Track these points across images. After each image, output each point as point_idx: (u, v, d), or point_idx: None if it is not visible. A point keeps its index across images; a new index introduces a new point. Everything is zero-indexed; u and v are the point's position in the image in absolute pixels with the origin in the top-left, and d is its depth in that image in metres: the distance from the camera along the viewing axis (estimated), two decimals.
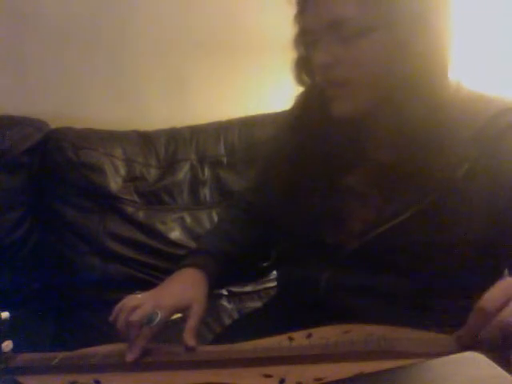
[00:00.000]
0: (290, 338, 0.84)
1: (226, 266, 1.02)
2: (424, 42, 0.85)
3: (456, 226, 0.85)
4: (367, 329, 0.81)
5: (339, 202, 0.94)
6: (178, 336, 0.87)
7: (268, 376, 0.75)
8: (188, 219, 1.60)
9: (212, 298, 0.98)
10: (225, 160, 1.65)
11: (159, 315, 0.87)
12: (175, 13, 1.74)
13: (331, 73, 0.88)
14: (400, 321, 0.81)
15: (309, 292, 0.95)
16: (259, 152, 1.48)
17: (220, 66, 1.78)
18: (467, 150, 0.85)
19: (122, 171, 1.58)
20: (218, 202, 1.62)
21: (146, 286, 1.00)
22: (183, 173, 1.62)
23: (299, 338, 0.83)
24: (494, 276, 0.89)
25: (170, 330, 0.89)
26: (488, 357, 0.56)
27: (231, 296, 1.60)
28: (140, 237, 1.56)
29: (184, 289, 0.94)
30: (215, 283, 0.99)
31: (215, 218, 1.60)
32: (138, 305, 0.88)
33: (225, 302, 1.59)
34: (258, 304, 1.55)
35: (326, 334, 0.82)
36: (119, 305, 0.90)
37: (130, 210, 1.56)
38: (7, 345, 0.82)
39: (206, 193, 1.63)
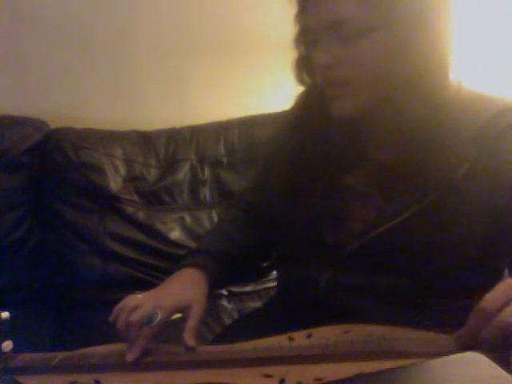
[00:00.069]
0: (290, 338, 0.84)
1: (225, 266, 1.02)
2: (424, 42, 0.85)
3: (456, 226, 0.85)
4: (367, 329, 0.81)
5: (339, 202, 0.94)
6: (178, 336, 0.87)
7: (268, 376, 0.75)
8: (188, 219, 1.60)
9: (212, 297, 0.98)
10: (225, 160, 1.65)
11: (159, 315, 0.87)
12: (175, 13, 1.74)
13: (331, 73, 0.88)
14: (400, 321, 0.81)
15: (309, 292, 0.95)
16: (259, 152, 1.48)
17: (220, 65, 1.78)
18: (467, 149, 0.85)
19: (122, 171, 1.58)
20: (218, 201, 1.62)
21: (146, 285, 1.00)
22: (183, 173, 1.62)
23: (299, 338, 0.83)
24: (494, 276, 0.89)
25: (169, 330, 0.89)
26: (488, 357, 0.56)
27: (231, 296, 1.60)
28: (140, 237, 1.56)
29: (184, 289, 0.94)
30: (215, 283, 0.99)
31: (215, 218, 1.60)
32: (138, 305, 0.88)
33: (225, 302, 1.59)
34: (258, 304, 1.55)
35: (326, 334, 0.82)
36: (119, 305, 0.90)
37: (129, 209, 1.56)
38: (7, 345, 0.82)
39: (206, 193, 1.63)
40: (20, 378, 0.80)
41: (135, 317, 0.86)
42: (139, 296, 0.91)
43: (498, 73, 1.63)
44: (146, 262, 1.55)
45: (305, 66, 0.95)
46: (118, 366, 0.84)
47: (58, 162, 1.55)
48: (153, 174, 1.61)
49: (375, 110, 0.90)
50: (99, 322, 1.45)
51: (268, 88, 1.80)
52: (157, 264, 1.55)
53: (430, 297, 0.88)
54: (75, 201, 1.55)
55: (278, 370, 0.76)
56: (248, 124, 1.69)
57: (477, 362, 0.56)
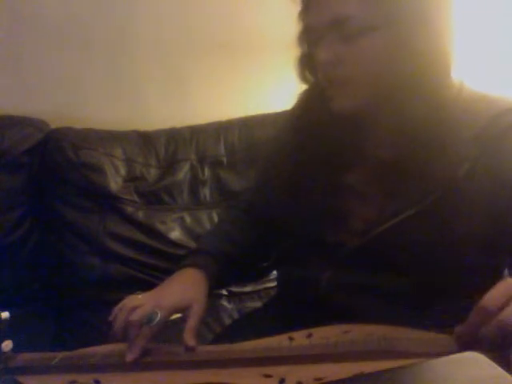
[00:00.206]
0: (290, 338, 0.84)
1: (226, 267, 1.02)
2: (425, 42, 0.85)
3: (457, 225, 0.85)
4: (367, 329, 0.81)
5: (340, 201, 0.94)
6: (178, 336, 0.87)
7: (268, 376, 0.75)
8: (188, 219, 1.60)
9: (212, 297, 0.98)
10: (225, 160, 1.65)
11: (159, 315, 0.87)
12: (175, 13, 1.74)
13: (333, 71, 0.88)
14: (400, 321, 0.81)
15: (309, 291, 0.95)
16: (259, 152, 1.49)
17: (220, 65, 1.78)
18: (468, 149, 0.85)
19: (122, 171, 1.58)
20: (218, 201, 1.62)
21: (146, 286, 1.00)
22: (183, 173, 1.62)
23: (299, 337, 0.83)
24: (494, 276, 0.89)
25: (169, 330, 0.89)
26: (488, 357, 0.56)
27: (231, 296, 1.60)
28: (140, 237, 1.56)
29: (184, 289, 0.94)
30: (215, 283, 0.99)
31: (215, 218, 1.60)
32: (138, 305, 0.88)
33: (225, 302, 1.59)
34: (258, 304, 1.55)
35: (326, 334, 0.82)
36: (119, 305, 0.90)
37: (129, 209, 1.56)
38: (7, 345, 0.82)
39: (205, 193, 1.63)
40: (20, 378, 0.80)
41: (135, 316, 0.86)
42: (139, 296, 0.91)
43: (498, 73, 1.63)
44: (146, 262, 1.55)
45: (307, 64, 0.95)
46: (118, 365, 0.84)
47: (58, 162, 1.55)
48: (153, 173, 1.61)
49: (376, 109, 0.90)
50: (99, 321, 1.45)
51: (268, 88, 1.80)
52: (157, 264, 1.55)
53: (431, 297, 0.88)
54: (75, 201, 1.55)
55: (278, 370, 0.75)
56: (248, 124, 1.69)
57: (477, 362, 0.56)
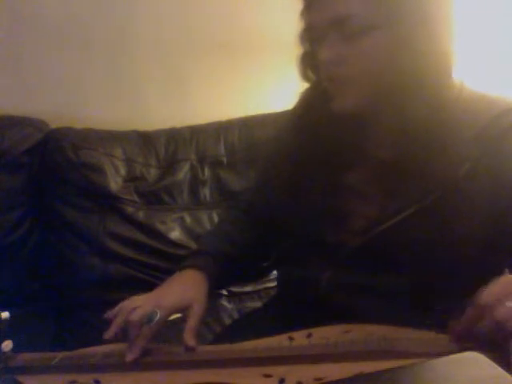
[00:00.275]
0: (290, 338, 0.84)
1: (226, 267, 1.02)
2: (426, 42, 0.85)
3: (457, 225, 0.85)
4: (367, 328, 0.81)
5: (340, 200, 0.94)
6: (178, 336, 0.87)
7: (268, 376, 0.75)
8: (188, 219, 1.60)
9: (212, 297, 0.98)
10: (225, 160, 1.65)
11: (159, 314, 0.87)
12: (175, 13, 1.74)
13: (334, 70, 0.88)
14: (400, 321, 0.81)
15: (309, 291, 0.95)
16: (259, 152, 1.49)
17: (220, 65, 1.78)
18: (469, 149, 0.85)
19: (122, 171, 1.58)
20: (218, 201, 1.62)
21: (146, 286, 1.01)
22: (183, 173, 1.62)
23: (299, 337, 0.83)
24: (495, 276, 0.89)
25: (169, 330, 0.89)
26: (488, 357, 0.56)
27: (231, 296, 1.60)
28: (140, 237, 1.56)
29: (184, 289, 0.94)
30: (215, 284, 0.99)
31: (215, 218, 1.60)
32: (138, 305, 0.89)
33: (225, 302, 1.59)
34: (258, 304, 1.55)
35: (326, 334, 0.82)
36: (119, 305, 0.90)
37: (129, 209, 1.56)
38: (7, 344, 0.82)
39: (205, 193, 1.63)
40: (20, 378, 0.80)
41: (135, 316, 0.87)
42: (140, 297, 0.92)
43: (498, 73, 1.63)
44: (146, 262, 1.55)
45: (309, 63, 0.95)
46: (118, 365, 0.84)
47: (58, 162, 1.55)
48: (153, 173, 1.61)
49: (377, 109, 0.90)
50: (99, 322, 1.44)
51: (268, 88, 1.80)
52: (157, 264, 1.54)
53: (431, 297, 0.88)
54: (75, 201, 1.55)
55: (278, 370, 0.76)
56: (248, 124, 1.69)
57: (477, 362, 0.56)
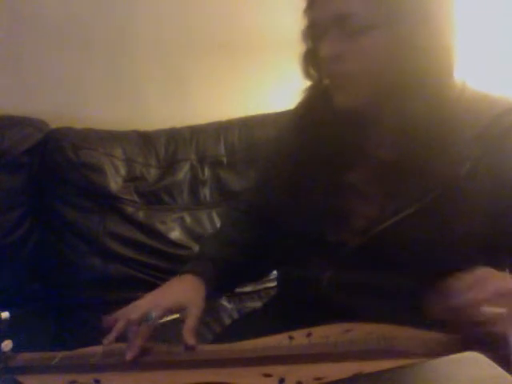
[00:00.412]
0: (290, 337, 0.84)
1: (226, 272, 1.03)
2: (427, 41, 0.85)
3: (458, 224, 0.86)
4: (367, 328, 0.82)
5: (341, 200, 0.94)
6: (177, 336, 0.87)
7: (268, 375, 0.75)
8: (188, 219, 1.60)
9: (211, 300, 0.98)
10: (225, 160, 1.65)
11: (157, 313, 0.87)
12: (175, 13, 1.74)
13: (334, 67, 0.88)
14: (401, 320, 0.81)
15: (310, 291, 0.95)
16: (260, 152, 1.49)
17: (220, 65, 1.78)
18: (470, 148, 0.85)
19: (122, 171, 1.58)
20: (218, 201, 1.62)
21: (146, 286, 1.01)
22: (183, 173, 1.62)
23: (299, 336, 0.83)
24: None
25: (169, 330, 0.89)
26: (488, 357, 0.56)
27: (231, 296, 1.59)
28: (140, 237, 1.56)
29: (181, 291, 0.95)
30: (215, 289, 1.00)
31: (215, 218, 1.60)
32: (138, 305, 0.90)
33: (225, 302, 1.59)
34: (258, 304, 1.55)
35: (326, 333, 0.82)
36: (119, 311, 0.91)
37: (129, 209, 1.56)
38: (7, 344, 0.82)
39: (205, 193, 1.63)
40: (20, 378, 0.80)
41: (135, 315, 0.88)
42: (138, 301, 0.93)
43: (498, 73, 1.64)
44: (146, 262, 1.55)
45: (312, 61, 0.95)
46: (118, 365, 0.84)
47: (58, 162, 1.55)
48: (153, 173, 1.61)
49: (378, 108, 0.91)
50: (99, 322, 1.44)
51: (268, 88, 1.80)
52: (157, 264, 1.54)
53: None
54: (75, 201, 1.55)
55: (278, 370, 0.76)
56: (248, 124, 1.69)
57: (477, 362, 0.56)
